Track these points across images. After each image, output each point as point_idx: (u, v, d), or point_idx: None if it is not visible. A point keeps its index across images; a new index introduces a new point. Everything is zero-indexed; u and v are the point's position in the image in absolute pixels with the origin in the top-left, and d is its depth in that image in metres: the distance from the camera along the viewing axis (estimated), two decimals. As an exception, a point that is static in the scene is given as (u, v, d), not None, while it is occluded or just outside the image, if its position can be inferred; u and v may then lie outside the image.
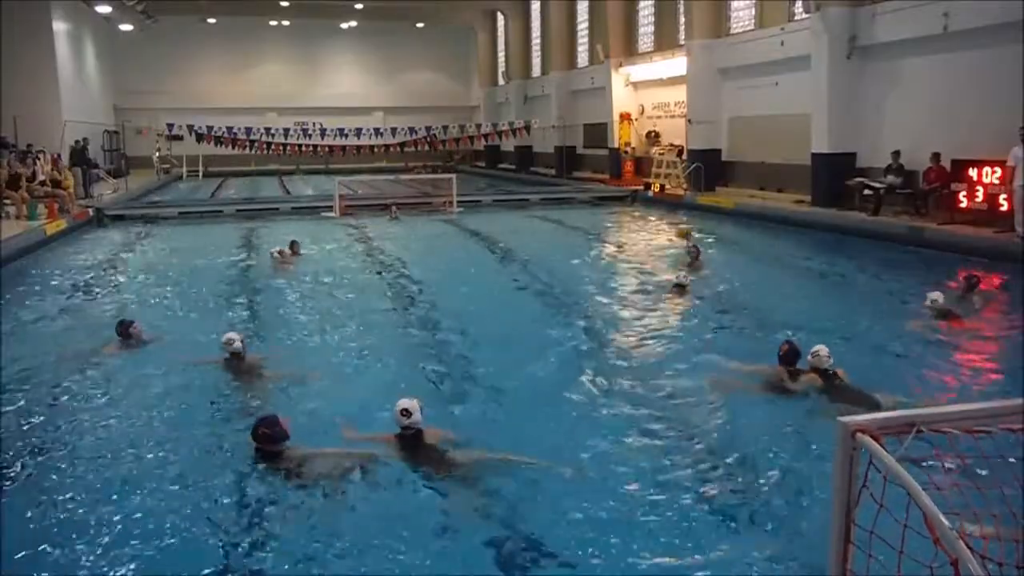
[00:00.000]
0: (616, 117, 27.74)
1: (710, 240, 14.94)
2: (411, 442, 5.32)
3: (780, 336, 7.57)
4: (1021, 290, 10.29)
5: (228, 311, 10.04)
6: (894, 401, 5.99)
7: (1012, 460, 2.11)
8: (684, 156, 23.59)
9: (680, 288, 10.50)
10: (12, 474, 5.24)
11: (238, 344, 7.24)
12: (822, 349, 6.51)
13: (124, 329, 8.19)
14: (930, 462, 2.09)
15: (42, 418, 6.24)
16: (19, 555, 4.21)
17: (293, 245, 13.86)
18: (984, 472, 2.14)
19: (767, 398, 6.44)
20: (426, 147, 33.47)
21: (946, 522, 1.79)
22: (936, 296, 8.75)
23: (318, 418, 6.12)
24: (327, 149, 31.44)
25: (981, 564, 1.78)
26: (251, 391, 6.81)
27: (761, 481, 5.00)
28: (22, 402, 6.61)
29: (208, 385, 6.93)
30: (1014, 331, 8.50)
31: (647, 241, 16.35)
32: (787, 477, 5.01)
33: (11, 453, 5.54)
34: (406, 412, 5.33)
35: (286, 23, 41.18)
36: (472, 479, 5.06)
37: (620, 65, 27.77)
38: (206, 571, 4.07)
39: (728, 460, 5.30)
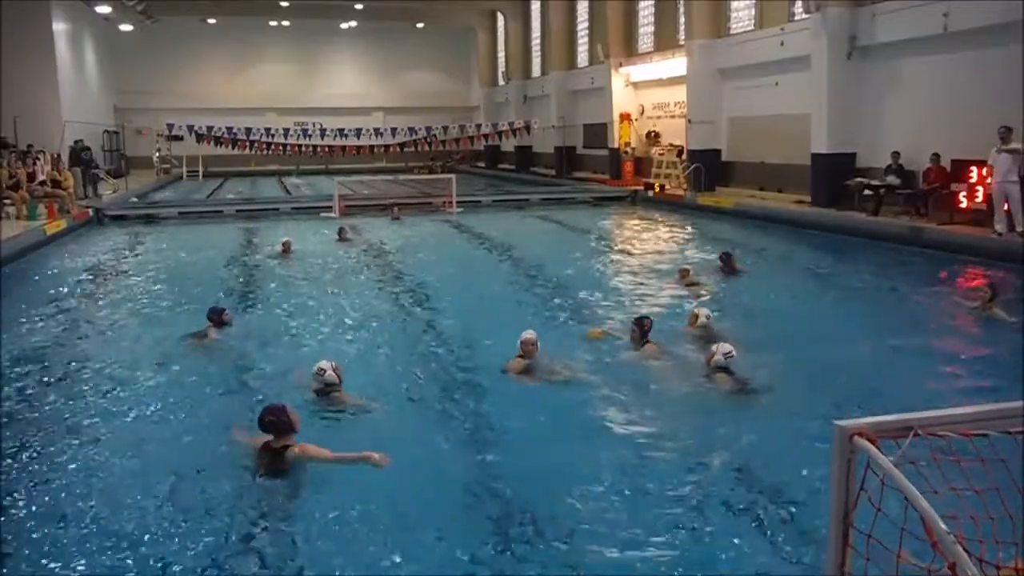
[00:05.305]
0: (616, 117, 27.74)
1: (711, 239, 14.95)
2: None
3: (776, 336, 7.60)
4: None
5: (232, 310, 9.98)
6: None
7: (1009, 463, 2.11)
8: (684, 156, 23.59)
9: (685, 273, 11.12)
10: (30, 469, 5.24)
11: (331, 374, 6.22)
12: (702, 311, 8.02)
13: (217, 317, 8.08)
14: (927, 464, 2.08)
15: (48, 423, 6.22)
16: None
17: (342, 232, 15.53)
18: (981, 475, 2.13)
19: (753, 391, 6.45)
20: (426, 147, 33.47)
21: (943, 525, 1.79)
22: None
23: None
24: (327, 149, 31.43)
25: (979, 567, 1.77)
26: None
27: (755, 480, 5.01)
28: (21, 403, 6.60)
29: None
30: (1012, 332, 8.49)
31: (648, 241, 16.35)
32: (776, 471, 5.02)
33: (15, 452, 5.54)
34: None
35: (286, 23, 41.15)
36: None
37: (620, 65, 27.77)
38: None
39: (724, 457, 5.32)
